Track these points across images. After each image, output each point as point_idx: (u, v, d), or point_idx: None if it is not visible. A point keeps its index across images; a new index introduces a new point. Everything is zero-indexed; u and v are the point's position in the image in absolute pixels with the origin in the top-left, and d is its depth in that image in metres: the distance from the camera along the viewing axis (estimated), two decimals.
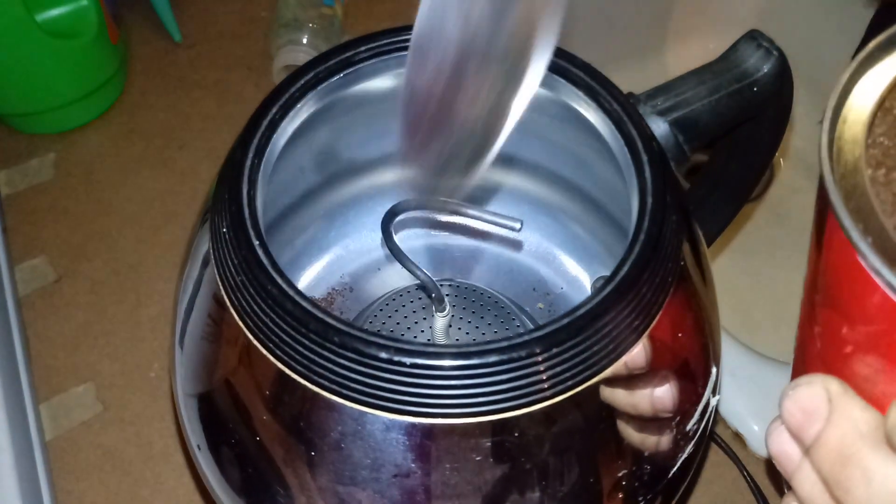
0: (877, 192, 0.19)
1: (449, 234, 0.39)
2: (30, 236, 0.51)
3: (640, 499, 0.25)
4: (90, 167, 0.54)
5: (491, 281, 0.37)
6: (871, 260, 0.18)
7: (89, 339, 0.47)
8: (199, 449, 0.28)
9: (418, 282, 0.35)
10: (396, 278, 0.37)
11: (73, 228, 0.51)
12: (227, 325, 0.25)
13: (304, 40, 0.55)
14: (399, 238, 0.33)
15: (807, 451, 0.20)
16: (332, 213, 0.37)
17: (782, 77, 0.29)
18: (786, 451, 0.21)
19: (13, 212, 0.52)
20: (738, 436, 0.42)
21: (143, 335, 0.47)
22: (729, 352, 0.43)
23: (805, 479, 0.20)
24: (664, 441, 0.25)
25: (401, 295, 0.36)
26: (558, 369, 0.21)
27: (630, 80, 0.32)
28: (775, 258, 0.61)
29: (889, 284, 0.18)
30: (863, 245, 0.18)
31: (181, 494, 0.42)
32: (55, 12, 0.51)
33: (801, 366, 0.23)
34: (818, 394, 0.20)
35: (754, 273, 0.60)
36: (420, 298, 0.35)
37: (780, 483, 0.21)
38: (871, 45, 0.21)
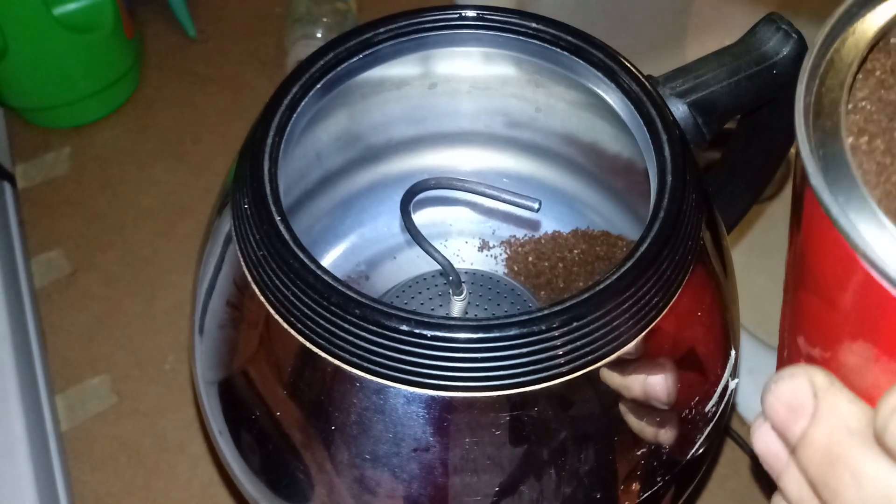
0: (859, 162, 0.17)
1: (465, 224, 0.39)
2: (46, 229, 0.51)
3: (659, 479, 0.25)
4: (105, 161, 0.54)
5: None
6: (853, 237, 0.16)
7: (104, 332, 0.47)
8: (221, 434, 0.28)
9: (434, 270, 0.35)
10: (413, 266, 0.37)
11: (88, 221, 0.51)
12: (248, 302, 0.25)
13: (319, 35, 0.55)
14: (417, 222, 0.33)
15: (793, 449, 0.19)
16: (348, 200, 0.37)
17: (801, 60, 0.28)
18: (772, 449, 0.19)
19: (29, 205, 0.52)
20: None
21: (158, 327, 0.47)
22: (747, 349, 0.43)
23: (793, 481, 0.19)
24: (683, 422, 0.24)
25: (417, 282, 0.36)
26: (578, 343, 0.21)
27: (651, 70, 0.32)
28: None
29: (874, 264, 0.16)
30: (844, 221, 0.16)
31: (195, 485, 0.42)
32: (72, 7, 0.51)
33: (785, 357, 0.21)
34: (802, 387, 0.18)
35: (772, 271, 0.59)
36: (437, 285, 0.35)
37: (769, 482, 0.20)
38: (847, 3, 0.19)
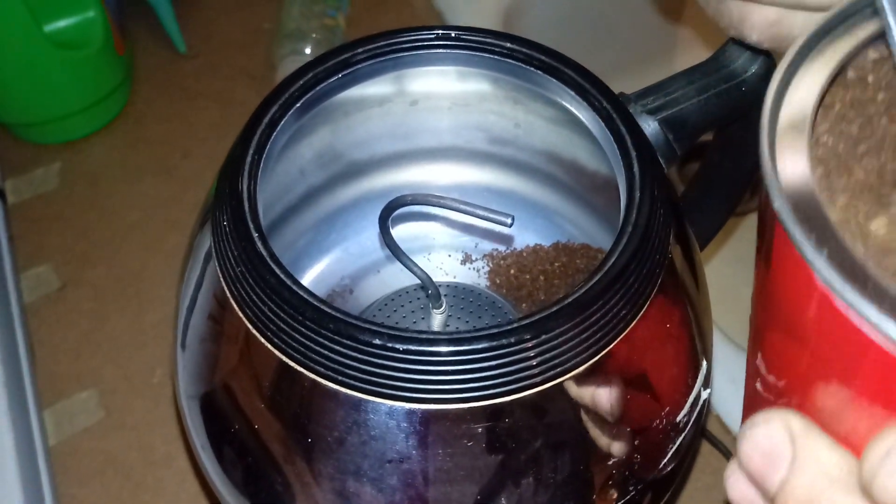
0: (828, 198, 0.17)
1: (447, 238, 0.39)
2: (35, 244, 0.51)
3: (632, 489, 0.25)
4: (95, 176, 0.55)
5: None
6: (827, 276, 0.15)
7: (92, 346, 0.48)
8: (203, 448, 0.29)
9: (416, 283, 0.36)
10: (396, 280, 0.37)
11: (77, 236, 0.52)
12: (227, 317, 0.25)
13: (307, 50, 0.56)
14: (396, 237, 0.33)
15: (771, 499, 0.18)
16: (331, 215, 0.37)
17: (770, 77, 0.29)
18: (747, 497, 0.19)
19: (19, 220, 0.52)
20: None
21: (146, 341, 0.48)
22: (731, 359, 0.43)
23: None
24: (654, 431, 0.25)
25: (399, 296, 0.36)
26: (548, 356, 0.22)
27: (638, 86, 0.32)
28: None
29: (851, 304, 0.15)
30: (818, 260, 0.16)
31: (183, 500, 0.42)
32: (62, 23, 0.52)
33: (754, 401, 0.21)
34: (778, 433, 0.17)
35: None
36: (418, 298, 0.35)
37: None
38: (805, 37, 0.19)
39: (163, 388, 0.46)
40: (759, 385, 0.20)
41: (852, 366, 0.16)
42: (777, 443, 0.17)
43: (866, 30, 0.20)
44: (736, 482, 0.19)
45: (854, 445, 0.17)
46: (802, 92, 0.19)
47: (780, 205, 0.16)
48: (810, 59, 0.19)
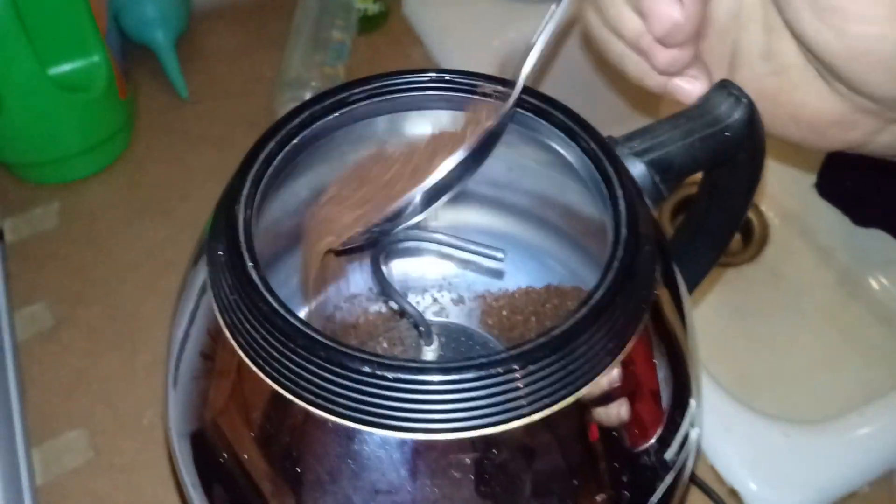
0: None
1: (440, 279, 0.40)
2: (31, 283, 0.52)
3: None
4: (93, 217, 0.55)
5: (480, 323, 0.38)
6: None
7: (83, 386, 0.48)
8: (194, 487, 0.29)
9: (408, 320, 0.36)
10: (388, 317, 0.37)
11: (73, 275, 0.52)
12: (220, 349, 0.25)
13: (307, 97, 0.57)
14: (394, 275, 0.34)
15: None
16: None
17: (752, 123, 0.30)
18: None
19: (16, 259, 0.53)
20: (733, 493, 0.43)
21: (138, 382, 0.48)
22: (726, 409, 0.43)
23: None
24: (642, 467, 0.25)
25: (394, 335, 0.36)
26: (535, 386, 0.22)
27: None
28: (772, 319, 0.62)
29: None
30: None
31: None
32: (67, 67, 0.53)
33: None
34: None
35: (751, 333, 0.61)
36: (410, 338, 0.36)
37: None
38: None
39: (153, 429, 0.46)
40: None
41: None
42: None
43: None
44: None
45: None
46: None
47: None
48: None
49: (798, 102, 0.32)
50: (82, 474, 0.44)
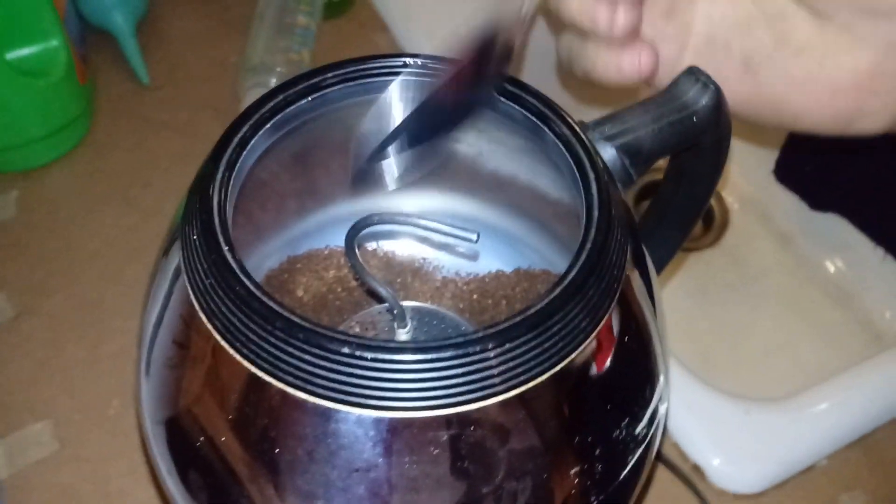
0: None
1: (414, 261, 0.40)
2: None
3: (593, 499, 0.26)
4: (54, 205, 0.54)
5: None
6: None
7: (46, 376, 0.47)
8: (169, 474, 0.29)
9: (383, 306, 0.36)
10: (365, 301, 0.38)
11: (34, 265, 0.51)
12: (195, 334, 0.25)
13: (272, 83, 0.56)
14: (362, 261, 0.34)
15: None
16: (297, 241, 0.38)
17: (719, 109, 0.31)
18: None
19: None
20: (697, 469, 0.44)
21: (102, 372, 0.47)
22: (688, 387, 0.45)
23: None
24: (615, 441, 0.26)
25: (366, 318, 0.37)
26: (511, 364, 0.22)
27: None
28: (733, 301, 0.64)
29: None
30: None
31: None
32: (25, 51, 0.52)
33: None
34: None
35: (713, 315, 0.63)
36: (382, 321, 0.36)
37: None
38: None
39: (119, 419, 0.45)
40: None
41: None
42: None
43: None
44: None
45: None
46: None
47: None
48: None
49: (832, 68, 0.31)
50: (48, 466, 0.43)
